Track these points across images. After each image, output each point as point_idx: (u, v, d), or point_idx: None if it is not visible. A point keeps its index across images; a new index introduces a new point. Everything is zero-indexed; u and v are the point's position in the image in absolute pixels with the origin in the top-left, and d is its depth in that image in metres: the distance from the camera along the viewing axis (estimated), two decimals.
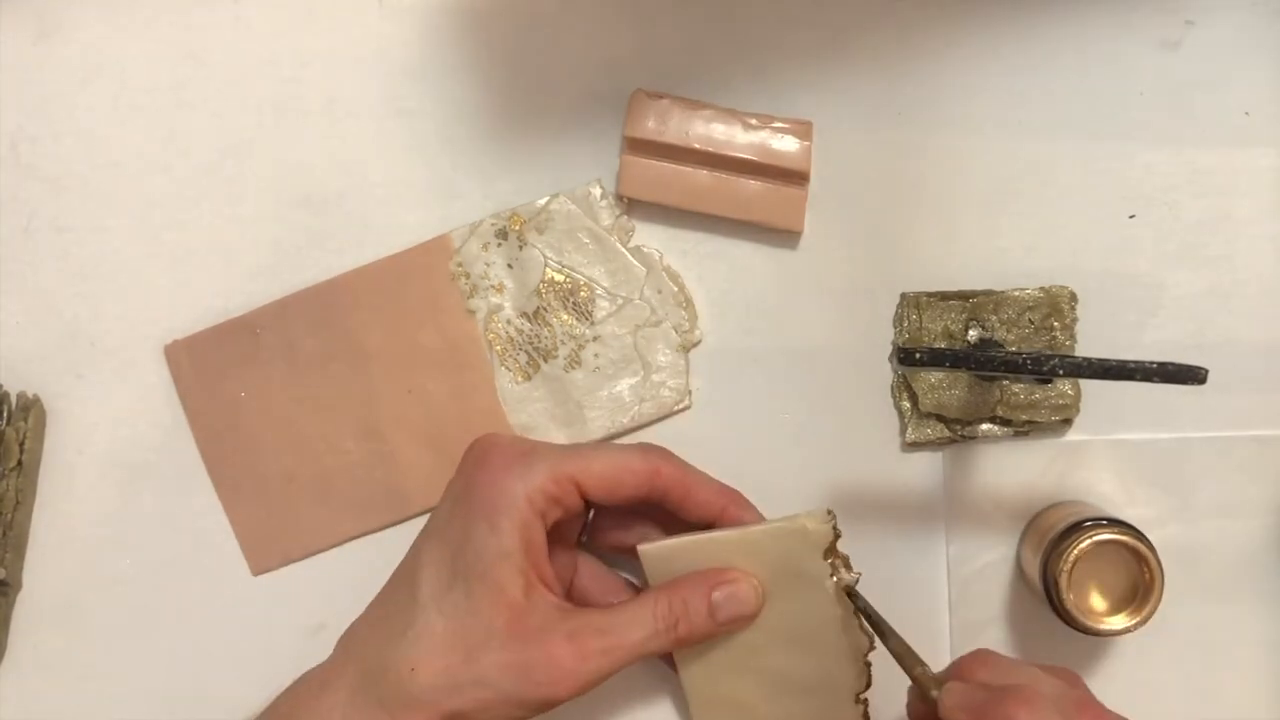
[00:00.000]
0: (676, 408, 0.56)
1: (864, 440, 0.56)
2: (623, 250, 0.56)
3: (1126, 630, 0.50)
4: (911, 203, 0.56)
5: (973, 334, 0.56)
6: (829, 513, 0.48)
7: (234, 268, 0.57)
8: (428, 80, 0.57)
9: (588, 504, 0.49)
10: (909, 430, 0.56)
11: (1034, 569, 0.52)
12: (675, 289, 0.56)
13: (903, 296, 0.56)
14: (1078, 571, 0.50)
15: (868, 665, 0.50)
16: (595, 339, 0.55)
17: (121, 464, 0.57)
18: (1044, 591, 0.51)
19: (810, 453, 0.56)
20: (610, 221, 0.56)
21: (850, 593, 0.49)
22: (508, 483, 0.47)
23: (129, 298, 0.57)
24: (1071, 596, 0.50)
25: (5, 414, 0.55)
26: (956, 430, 0.55)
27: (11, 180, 0.57)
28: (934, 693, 0.44)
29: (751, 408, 0.56)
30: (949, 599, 0.56)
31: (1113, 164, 0.56)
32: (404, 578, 0.48)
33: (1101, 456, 0.55)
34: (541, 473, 0.47)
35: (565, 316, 0.55)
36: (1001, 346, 0.55)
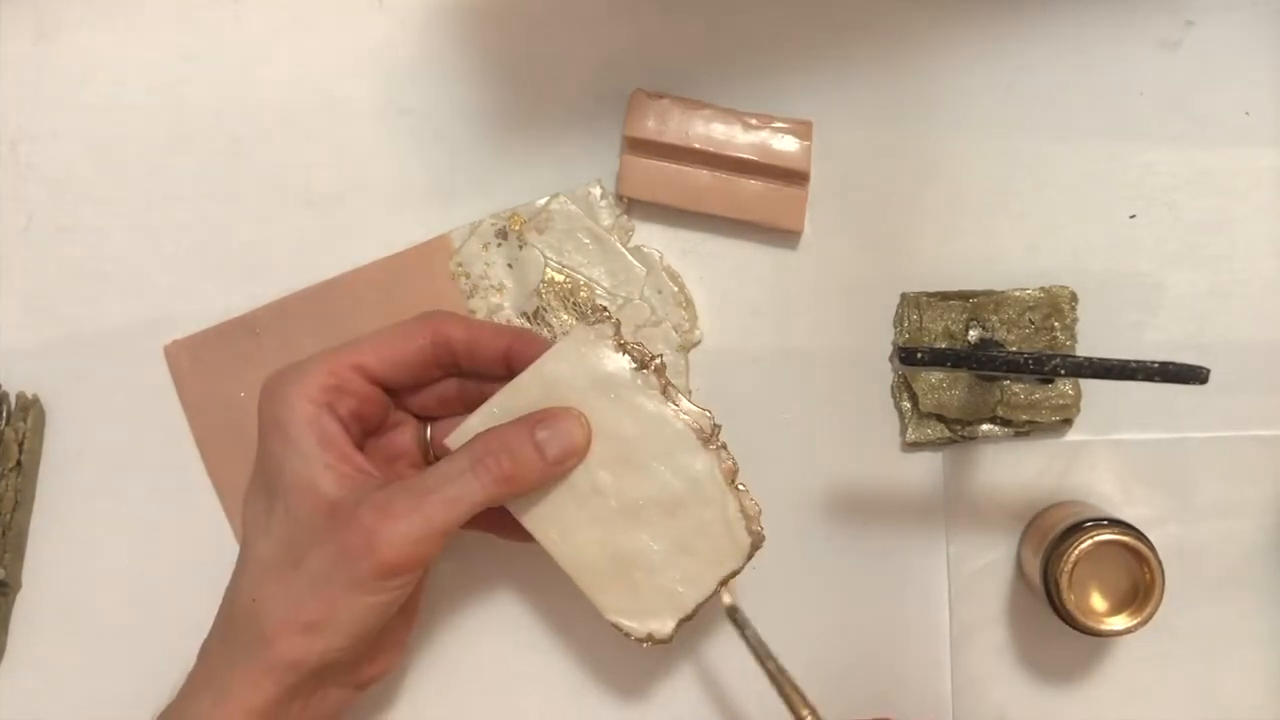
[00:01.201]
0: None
1: (864, 440, 0.56)
2: (623, 250, 0.56)
3: (1127, 630, 0.50)
4: (911, 203, 0.56)
5: (973, 334, 0.56)
6: (600, 309, 0.48)
7: (234, 268, 0.57)
8: (428, 80, 0.57)
9: (387, 390, 0.49)
10: (909, 430, 0.56)
11: (1034, 569, 0.52)
12: (675, 289, 0.56)
13: (903, 296, 0.56)
14: (1078, 572, 0.50)
15: (721, 446, 0.49)
16: None
17: (121, 464, 0.56)
18: (1044, 592, 0.51)
19: (810, 453, 0.56)
20: (610, 221, 0.55)
21: (734, 618, 0.48)
22: (283, 391, 0.46)
23: (129, 298, 0.57)
24: (1072, 597, 0.50)
25: (4, 414, 0.55)
26: (957, 430, 0.55)
27: (11, 180, 0.57)
28: None
29: (751, 408, 0.56)
30: (949, 599, 0.56)
31: (1113, 164, 0.56)
32: (241, 527, 0.48)
33: (1102, 456, 0.55)
34: (313, 370, 0.46)
35: (565, 316, 0.55)
36: (1002, 346, 0.55)
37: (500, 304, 0.55)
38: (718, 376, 0.57)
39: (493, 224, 0.55)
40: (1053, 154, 0.56)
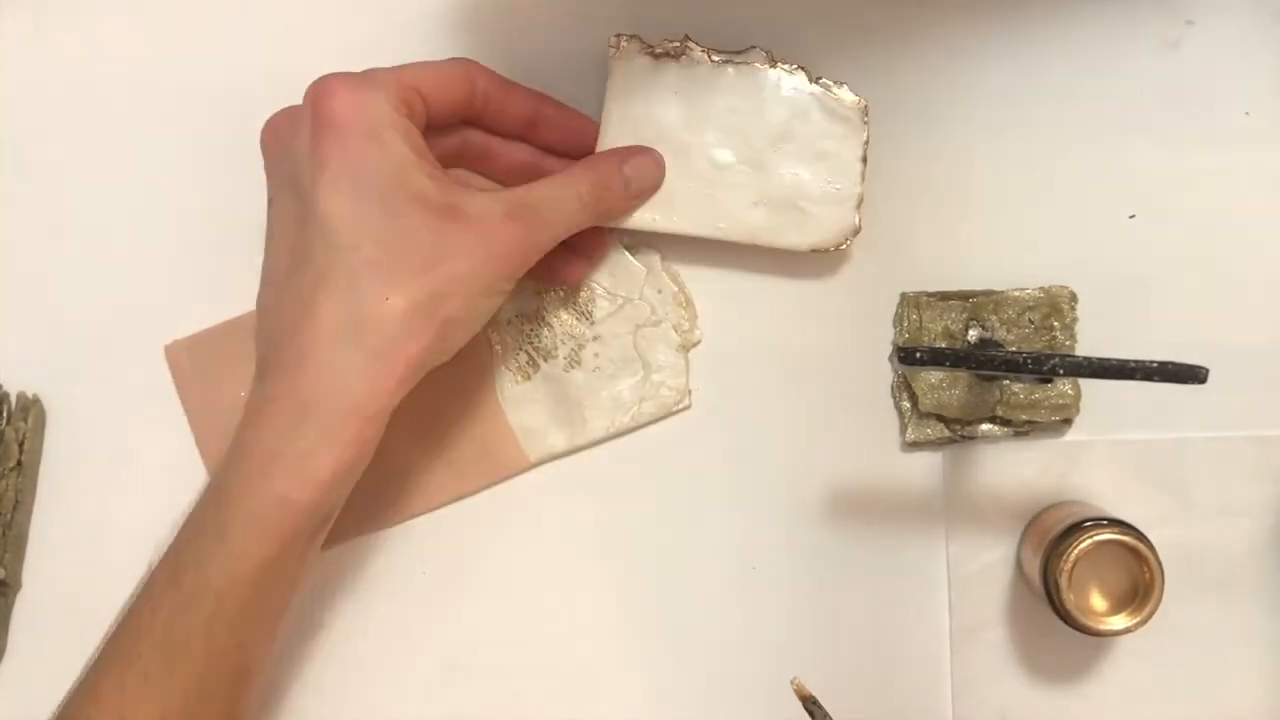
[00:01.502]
0: (676, 408, 0.56)
1: (864, 440, 0.56)
2: (623, 250, 0.56)
3: (1126, 630, 0.50)
4: (912, 202, 0.56)
5: (973, 334, 0.56)
6: None
7: (234, 267, 0.57)
8: None
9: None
10: (909, 430, 0.56)
11: (1034, 569, 0.52)
12: (675, 289, 0.56)
13: (903, 296, 0.56)
14: (1078, 571, 0.50)
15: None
16: (595, 339, 0.55)
17: (121, 464, 0.56)
18: (1044, 591, 0.51)
19: (810, 453, 0.56)
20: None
21: (811, 708, 0.47)
22: (366, 97, 0.44)
23: (129, 298, 0.57)
24: (1072, 596, 0.50)
25: (5, 414, 0.56)
26: (956, 430, 0.55)
27: (11, 180, 0.57)
28: None
29: (751, 408, 0.56)
30: (949, 599, 0.56)
31: (1113, 164, 0.56)
32: (295, 252, 0.45)
33: (1101, 456, 0.55)
34: (390, 82, 0.45)
35: (565, 316, 0.55)
36: (1001, 346, 0.55)
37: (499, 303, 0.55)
38: (718, 376, 0.57)
39: None
40: (1053, 154, 0.56)
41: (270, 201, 0.48)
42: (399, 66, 0.48)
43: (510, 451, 0.55)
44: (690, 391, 0.56)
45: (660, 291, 0.55)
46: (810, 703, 0.47)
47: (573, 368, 0.55)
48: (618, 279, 0.56)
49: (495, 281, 0.46)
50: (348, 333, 0.43)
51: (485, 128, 0.51)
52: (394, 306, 0.43)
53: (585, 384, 0.55)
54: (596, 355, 0.55)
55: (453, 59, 0.50)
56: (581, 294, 0.55)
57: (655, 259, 0.56)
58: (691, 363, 0.56)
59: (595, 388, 0.55)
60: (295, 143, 0.46)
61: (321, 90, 0.45)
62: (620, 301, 0.55)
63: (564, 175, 0.49)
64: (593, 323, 0.55)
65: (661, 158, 0.52)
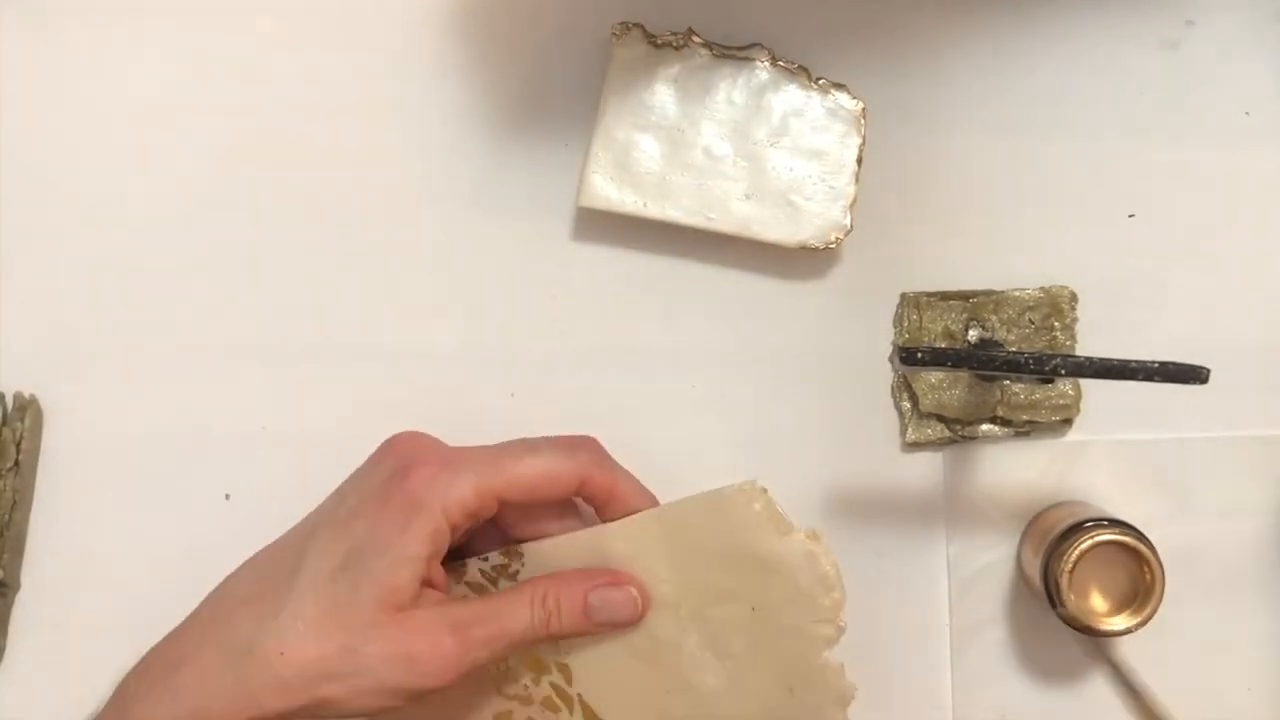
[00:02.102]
0: None
1: (864, 440, 0.56)
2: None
3: (1127, 631, 0.50)
4: (912, 202, 0.56)
5: (973, 334, 0.56)
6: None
7: (233, 267, 0.57)
8: (429, 79, 0.57)
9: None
10: (909, 430, 0.56)
11: (1034, 569, 0.52)
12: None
13: (903, 296, 0.56)
14: (1078, 572, 0.50)
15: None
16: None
17: (120, 464, 0.56)
18: (1044, 592, 0.51)
19: (810, 453, 0.56)
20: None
21: None
22: (430, 493, 0.46)
23: (127, 297, 0.57)
24: (1072, 597, 0.50)
25: (2, 414, 0.55)
26: (957, 430, 0.55)
27: (12, 180, 0.57)
28: None
29: (752, 408, 0.56)
30: (949, 599, 0.56)
31: (1113, 164, 0.56)
32: (283, 559, 0.47)
33: (1102, 457, 0.55)
34: (466, 486, 0.46)
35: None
36: (1002, 346, 0.55)
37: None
38: (718, 376, 0.57)
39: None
40: (1053, 154, 0.56)
41: (337, 494, 0.49)
42: (497, 455, 0.47)
43: None
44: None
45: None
46: None
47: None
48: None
49: (396, 682, 0.45)
50: (238, 654, 0.45)
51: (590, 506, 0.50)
52: (285, 661, 0.44)
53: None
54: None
55: (568, 447, 0.48)
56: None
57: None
58: (693, 362, 0.56)
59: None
60: (371, 477, 0.48)
61: (404, 457, 0.47)
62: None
63: (524, 589, 0.47)
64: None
65: (636, 595, 0.48)
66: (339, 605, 0.45)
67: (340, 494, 0.49)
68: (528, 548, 0.49)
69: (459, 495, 0.46)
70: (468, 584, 0.50)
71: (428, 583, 0.46)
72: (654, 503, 0.49)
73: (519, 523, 0.49)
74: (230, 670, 0.44)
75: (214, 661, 0.45)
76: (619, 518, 0.49)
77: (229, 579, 0.48)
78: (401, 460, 0.47)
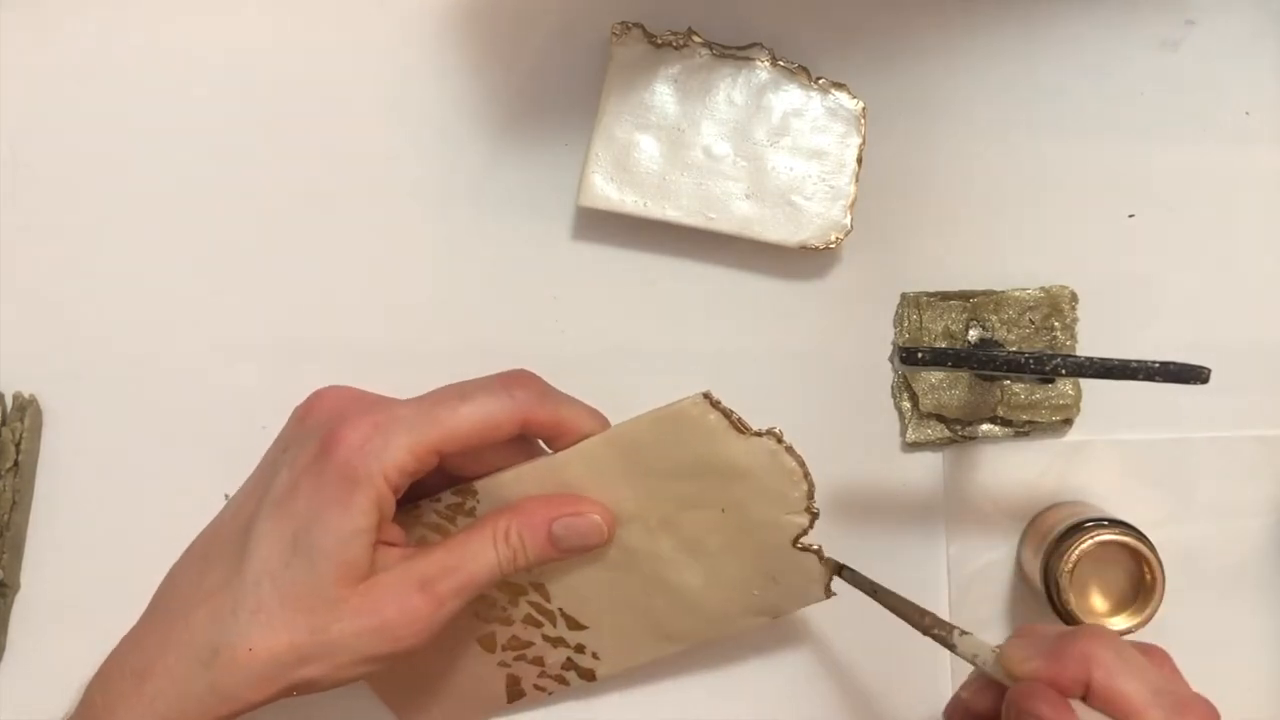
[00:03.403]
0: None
1: (864, 440, 0.56)
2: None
3: (1127, 631, 0.50)
4: (912, 202, 0.56)
5: (973, 334, 0.56)
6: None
7: (232, 266, 0.57)
8: (429, 79, 0.57)
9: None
10: (909, 430, 0.56)
11: (1034, 569, 0.52)
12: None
13: (903, 296, 0.56)
14: (1079, 572, 0.50)
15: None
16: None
17: (119, 464, 0.56)
18: (1045, 592, 0.51)
19: (810, 453, 0.56)
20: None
21: (839, 570, 0.48)
22: (365, 458, 0.44)
23: (127, 297, 0.57)
24: (1072, 597, 0.50)
25: (2, 414, 0.55)
26: (957, 430, 0.55)
27: (11, 180, 0.57)
28: (991, 654, 0.43)
29: (751, 408, 0.56)
30: (949, 599, 0.56)
31: (1113, 164, 0.56)
32: (227, 548, 0.45)
33: (1102, 456, 0.55)
34: (401, 448, 0.44)
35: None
36: (1002, 346, 0.55)
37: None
38: (717, 377, 0.56)
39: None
40: (1053, 154, 0.56)
41: (266, 463, 0.48)
42: (429, 407, 0.45)
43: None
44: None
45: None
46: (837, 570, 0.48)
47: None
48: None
49: (373, 652, 0.44)
50: (205, 658, 0.44)
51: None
52: (254, 657, 0.43)
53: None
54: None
55: (503, 385, 0.46)
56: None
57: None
58: (691, 364, 0.56)
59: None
60: (300, 444, 0.46)
61: (330, 420, 0.45)
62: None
63: (485, 527, 0.46)
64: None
65: (599, 519, 0.47)
66: (298, 590, 0.43)
67: (270, 466, 0.47)
68: (481, 484, 0.48)
69: (395, 459, 0.44)
70: (424, 526, 0.49)
71: (384, 542, 0.45)
72: (605, 423, 0.48)
73: (467, 465, 0.48)
74: (200, 674, 0.43)
75: (181, 667, 0.44)
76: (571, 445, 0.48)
77: (174, 574, 0.47)
78: (328, 425, 0.45)
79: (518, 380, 0.47)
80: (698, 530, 0.48)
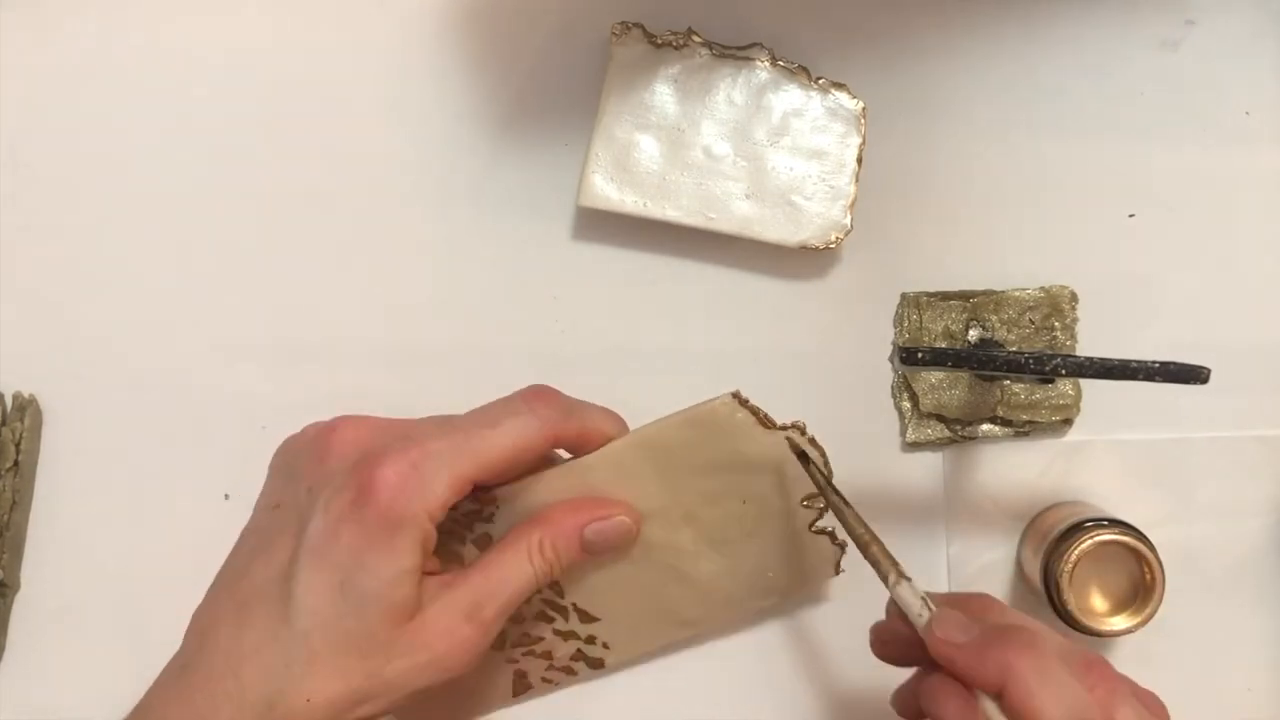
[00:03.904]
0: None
1: (864, 440, 0.56)
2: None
3: (1127, 631, 0.50)
4: (912, 202, 0.56)
5: (973, 334, 0.56)
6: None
7: (233, 266, 0.57)
8: (429, 79, 0.57)
9: None
10: (909, 430, 0.56)
11: (1034, 569, 0.52)
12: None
13: (903, 296, 0.56)
14: (1078, 572, 0.50)
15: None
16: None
17: (119, 464, 0.56)
18: (1044, 592, 0.51)
19: None
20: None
21: (820, 484, 0.47)
22: (408, 501, 0.43)
23: (128, 298, 0.57)
24: (1072, 597, 0.50)
25: (2, 414, 0.55)
26: (957, 430, 0.55)
27: (11, 180, 0.57)
28: (921, 615, 0.42)
29: None
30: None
31: (1113, 164, 0.56)
32: (263, 597, 0.44)
33: (1102, 457, 0.55)
34: (442, 485, 0.43)
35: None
36: (1002, 346, 0.55)
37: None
38: (717, 377, 0.56)
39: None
40: (1053, 154, 0.56)
41: (269, 506, 0.46)
42: (461, 438, 0.44)
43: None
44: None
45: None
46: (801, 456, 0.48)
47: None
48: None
49: (427, 684, 0.44)
50: (262, 711, 0.43)
51: None
52: (314, 707, 0.43)
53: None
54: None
55: (528, 406, 0.46)
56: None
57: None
58: (693, 362, 0.56)
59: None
60: (330, 485, 0.44)
61: (366, 467, 0.44)
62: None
63: (518, 540, 0.46)
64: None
65: (628, 520, 0.48)
66: (350, 636, 0.43)
67: (294, 509, 0.46)
68: (502, 492, 0.48)
69: (438, 498, 0.44)
70: (440, 533, 0.48)
71: (429, 571, 0.45)
72: (623, 425, 0.48)
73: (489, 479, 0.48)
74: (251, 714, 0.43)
75: (228, 707, 0.43)
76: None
77: (205, 626, 0.45)
78: (360, 466, 0.44)
79: (540, 398, 0.46)
80: (718, 522, 0.49)
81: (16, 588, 0.56)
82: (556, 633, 0.51)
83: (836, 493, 0.46)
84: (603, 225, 0.56)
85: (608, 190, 0.54)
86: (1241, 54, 0.56)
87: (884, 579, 0.44)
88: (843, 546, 0.50)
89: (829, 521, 0.49)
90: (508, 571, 0.46)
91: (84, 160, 0.57)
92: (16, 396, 0.56)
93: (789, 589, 0.51)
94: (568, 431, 0.46)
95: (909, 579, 0.43)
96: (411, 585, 0.44)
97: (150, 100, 0.57)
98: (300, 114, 0.57)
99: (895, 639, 0.46)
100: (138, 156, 0.57)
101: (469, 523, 0.49)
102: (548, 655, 0.52)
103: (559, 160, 0.56)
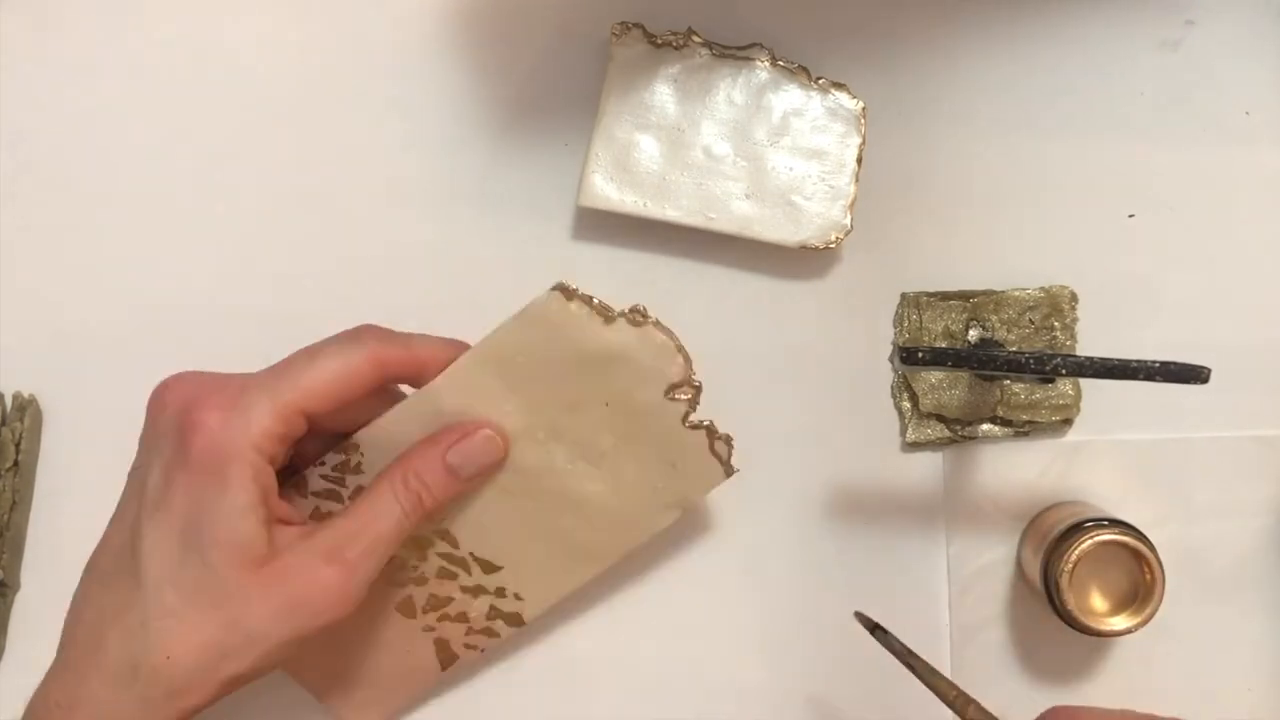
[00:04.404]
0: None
1: (864, 440, 0.56)
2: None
3: (1127, 631, 0.50)
4: (911, 202, 0.56)
5: (973, 334, 0.56)
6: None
7: (233, 266, 0.57)
8: (428, 78, 0.57)
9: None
10: (909, 430, 0.56)
11: (1034, 569, 0.52)
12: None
13: (903, 296, 0.56)
14: (1078, 572, 0.50)
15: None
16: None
17: (120, 464, 0.56)
18: (1044, 592, 0.51)
19: (810, 453, 0.56)
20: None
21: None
22: (229, 435, 0.43)
23: (129, 298, 0.57)
24: (1072, 597, 0.50)
25: (2, 414, 0.55)
26: (957, 430, 0.55)
27: (11, 180, 0.57)
28: None
29: (751, 408, 0.56)
30: (949, 599, 0.56)
31: (1113, 164, 0.56)
32: (119, 565, 0.44)
33: (1102, 456, 0.55)
34: (263, 413, 0.43)
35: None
36: (1002, 346, 0.55)
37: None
38: (717, 377, 0.56)
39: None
40: (1053, 154, 0.56)
41: (135, 468, 0.46)
42: (286, 375, 0.45)
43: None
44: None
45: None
46: (877, 629, 0.48)
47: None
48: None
49: (293, 633, 0.43)
50: (127, 677, 0.43)
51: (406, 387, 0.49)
52: (175, 664, 0.42)
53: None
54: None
55: (352, 339, 0.46)
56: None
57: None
58: (693, 362, 0.56)
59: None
60: (160, 441, 0.45)
61: (184, 405, 0.44)
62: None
63: (381, 485, 0.46)
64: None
65: (493, 433, 0.47)
66: (200, 585, 0.43)
67: (138, 472, 0.46)
68: (360, 435, 0.48)
69: (261, 427, 0.43)
70: (315, 495, 0.49)
71: (277, 520, 0.45)
72: (465, 348, 0.48)
73: (341, 426, 0.48)
74: (126, 694, 0.43)
75: (106, 691, 0.43)
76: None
77: (76, 601, 0.46)
78: (183, 413, 0.44)
79: (363, 329, 0.47)
80: (587, 432, 0.48)
81: (16, 588, 0.56)
82: (464, 590, 0.50)
83: (913, 654, 0.48)
84: (603, 225, 0.56)
85: (608, 190, 0.54)
86: (1241, 54, 0.56)
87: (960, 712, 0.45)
88: (728, 440, 0.49)
89: (705, 414, 0.48)
90: (372, 510, 0.45)
91: (84, 160, 0.57)
92: (16, 396, 0.56)
93: (684, 498, 0.50)
94: (394, 355, 0.46)
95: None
96: (253, 524, 0.43)
97: (150, 100, 0.57)
98: (300, 114, 0.57)
99: None
100: (137, 156, 0.57)
101: (340, 476, 0.48)
102: (463, 617, 0.51)
103: (559, 160, 0.56)
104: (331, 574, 0.44)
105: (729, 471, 0.49)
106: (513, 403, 0.47)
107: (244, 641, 0.43)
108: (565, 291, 0.46)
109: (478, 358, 0.47)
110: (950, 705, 0.47)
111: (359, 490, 0.48)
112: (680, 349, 0.47)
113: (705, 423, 0.48)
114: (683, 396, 0.48)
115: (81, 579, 0.46)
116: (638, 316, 0.47)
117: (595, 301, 0.46)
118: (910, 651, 0.48)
